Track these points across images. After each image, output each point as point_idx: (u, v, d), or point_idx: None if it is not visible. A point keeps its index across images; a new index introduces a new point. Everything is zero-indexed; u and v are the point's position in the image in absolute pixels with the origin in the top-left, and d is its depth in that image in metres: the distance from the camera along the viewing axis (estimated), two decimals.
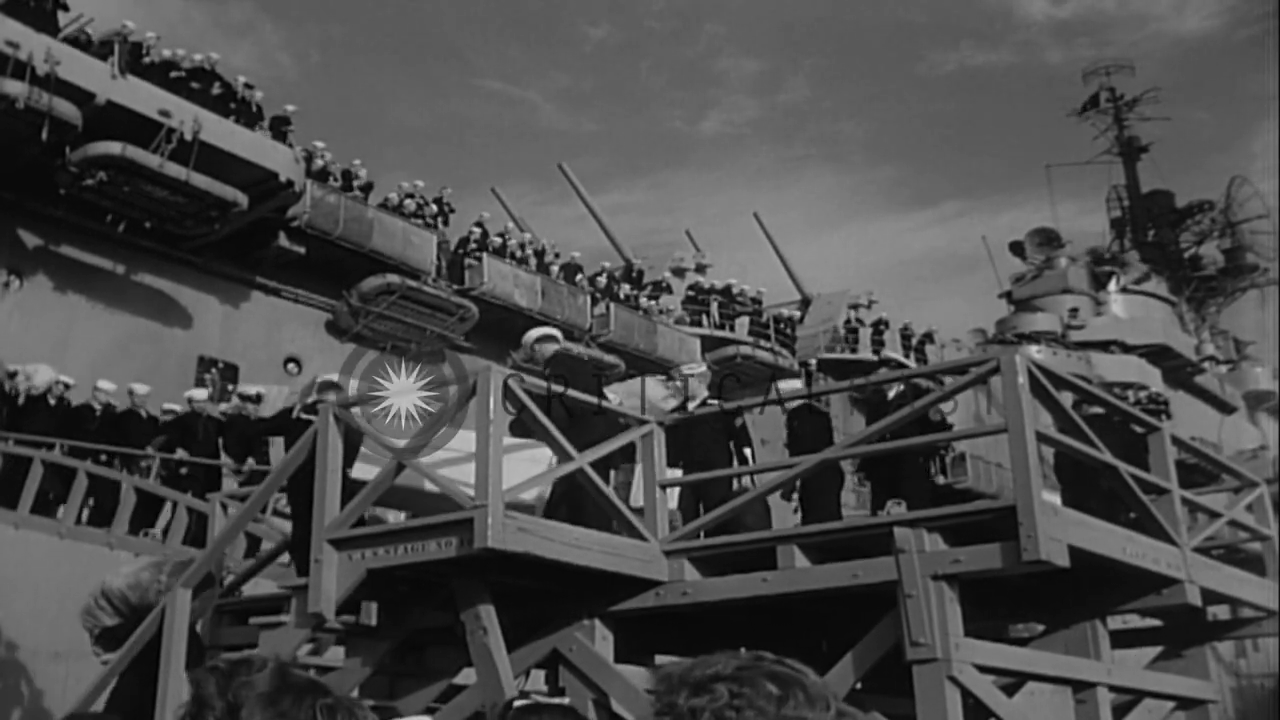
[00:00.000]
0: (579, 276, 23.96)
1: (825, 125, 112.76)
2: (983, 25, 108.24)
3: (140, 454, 13.38)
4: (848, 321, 29.04)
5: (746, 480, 8.00)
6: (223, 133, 16.69)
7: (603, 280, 24.64)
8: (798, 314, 29.93)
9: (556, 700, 3.14)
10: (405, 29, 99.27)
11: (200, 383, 17.57)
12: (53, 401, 13.86)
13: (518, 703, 2.83)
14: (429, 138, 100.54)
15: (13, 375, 13.99)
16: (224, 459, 13.51)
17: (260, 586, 8.08)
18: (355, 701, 2.10)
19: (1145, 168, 46.57)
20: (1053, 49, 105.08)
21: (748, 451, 8.11)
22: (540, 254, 23.58)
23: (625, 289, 25.22)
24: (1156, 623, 8.06)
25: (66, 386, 14.01)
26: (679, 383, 8.24)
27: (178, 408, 14.16)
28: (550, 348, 8.43)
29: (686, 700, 1.55)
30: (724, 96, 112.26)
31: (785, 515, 8.38)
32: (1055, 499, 6.53)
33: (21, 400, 13.83)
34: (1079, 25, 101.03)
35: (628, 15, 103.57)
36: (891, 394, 8.88)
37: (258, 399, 12.09)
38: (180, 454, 13.45)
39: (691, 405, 7.92)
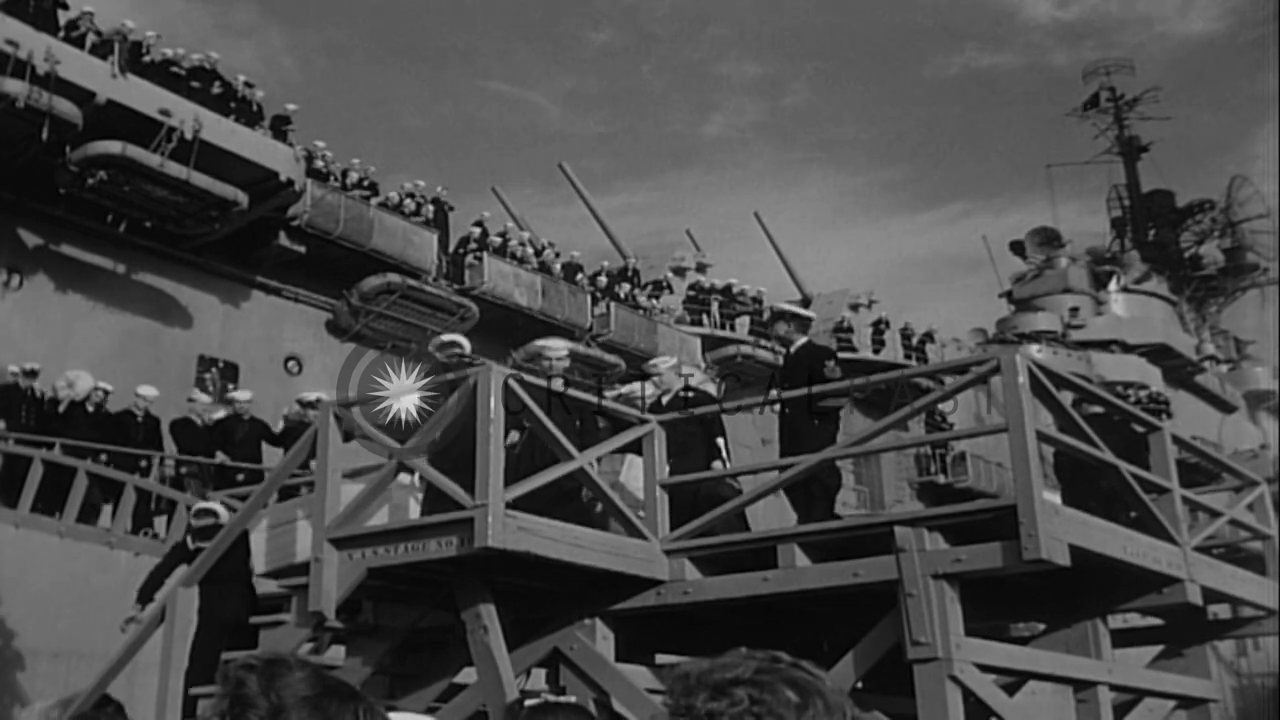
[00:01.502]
0: (579, 276, 23.90)
1: (828, 128, 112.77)
2: (987, 28, 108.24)
3: (191, 460, 13.56)
4: (842, 321, 28.97)
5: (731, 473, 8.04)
6: (223, 132, 16.65)
7: (603, 280, 24.59)
8: None
9: (568, 699, 3.11)
10: (410, 32, 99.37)
11: (200, 383, 17.55)
12: (91, 409, 13.92)
13: (529, 702, 2.81)
14: (435, 140, 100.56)
15: (31, 374, 13.99)
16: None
17: (261, 586, 8.08)
18: (386, 709, 2.07)
19: (1146, 168, 46.60)
20: (1057, 51, 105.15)
21: (720, 441, 8.09)
22: (540, 253, 23.54)
23: (625, 288, 25.15)
24: (1157, 622, 8.07)
25: (106, 393, 14.08)
26: (654, 381, 8.25)
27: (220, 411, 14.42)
28: (449, 352, 8.47)
29: (705, 703, 1.53)
30: (727, 99, 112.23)
31: (783, 513, 8.31)
32: (1055, 498, 6.52)
33: (63, 407, 13.92)
34: (1083, 27, 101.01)
35: (631, 19, 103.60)
36: (793, 347, 7.85)
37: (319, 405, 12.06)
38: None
39: (666, 399, 7.95)
